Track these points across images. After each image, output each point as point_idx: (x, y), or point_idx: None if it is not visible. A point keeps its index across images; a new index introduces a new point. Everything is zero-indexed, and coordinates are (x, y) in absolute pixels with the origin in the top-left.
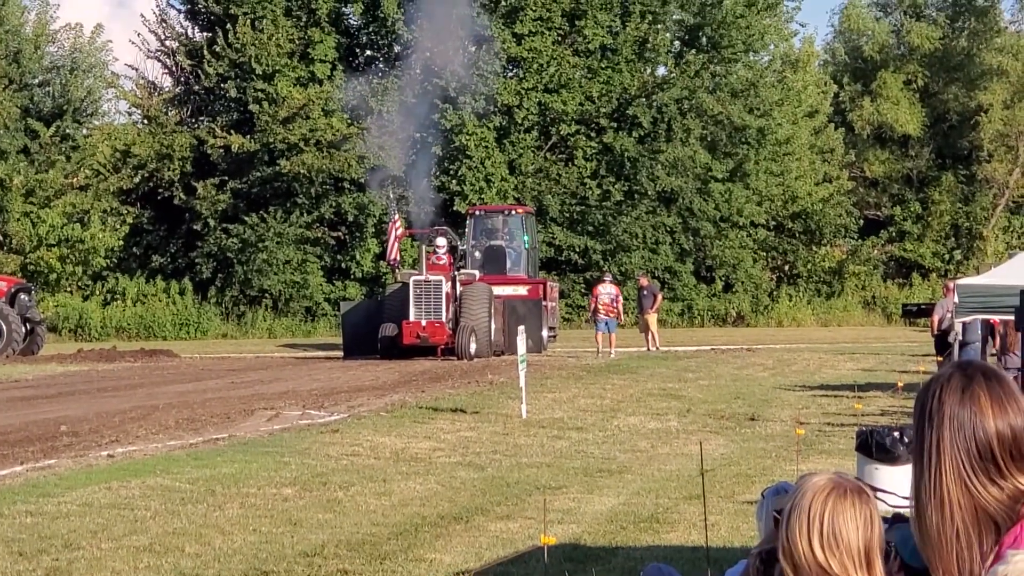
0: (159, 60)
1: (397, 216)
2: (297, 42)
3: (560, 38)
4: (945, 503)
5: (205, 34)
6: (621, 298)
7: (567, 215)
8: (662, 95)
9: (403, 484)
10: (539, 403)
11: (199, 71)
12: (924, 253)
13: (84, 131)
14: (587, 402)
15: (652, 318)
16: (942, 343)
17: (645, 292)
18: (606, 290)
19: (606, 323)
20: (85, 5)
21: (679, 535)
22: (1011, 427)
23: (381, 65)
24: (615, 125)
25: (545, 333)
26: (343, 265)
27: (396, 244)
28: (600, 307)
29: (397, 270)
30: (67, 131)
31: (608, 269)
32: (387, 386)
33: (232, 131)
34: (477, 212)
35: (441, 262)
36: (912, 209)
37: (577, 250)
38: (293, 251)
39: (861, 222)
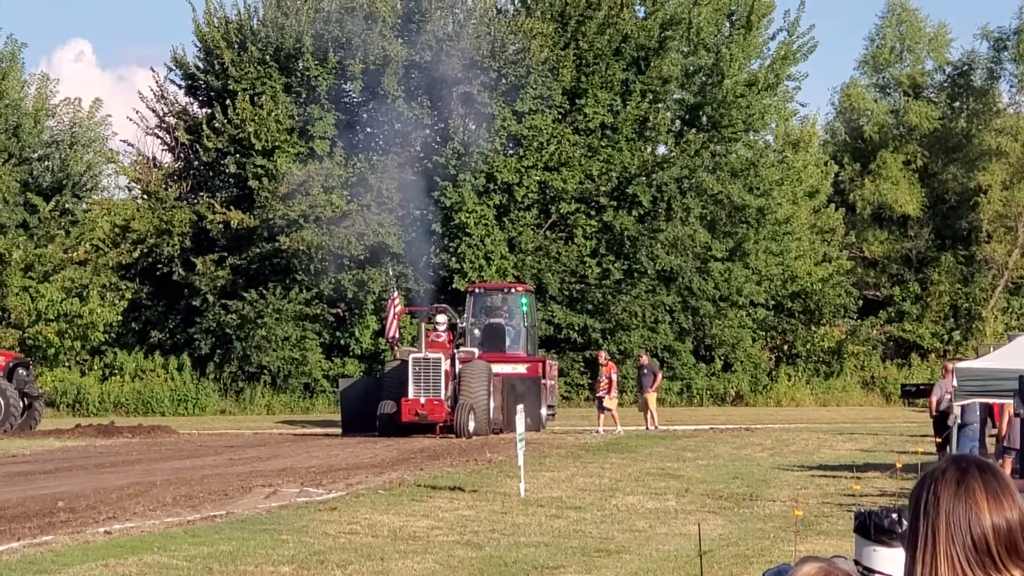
0: (158, 136)
1: (396, 293)
2: (296, 118)
3: (560, 116)
4: None
5: (204, 109)
6: None
7: (567, 293)
8: (662, 174)
9: (401, 563)
10: (537, 482)
11: (198, 146)
12: (923, 334)
13: (83, 206)
14: (585, 481)
15: (651, 397)
16: (941, 424)
17: (645, 371)
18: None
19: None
20: (85, 80)
21: None
22: (1007, 520)
23: (381, 142)
24: (615, 204)
25: (544, 411)
26: (342, 342)
27: (395, 321)
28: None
29: (396, 347)
30: (66, 206)
31: (605, 347)
32: (385, 464)
33: (231, 207)
34: (476, 290)
35: (440, 339)
36: (911, 289)
37: (576, 328)
38: (292, 327)
39: (860, 302)
